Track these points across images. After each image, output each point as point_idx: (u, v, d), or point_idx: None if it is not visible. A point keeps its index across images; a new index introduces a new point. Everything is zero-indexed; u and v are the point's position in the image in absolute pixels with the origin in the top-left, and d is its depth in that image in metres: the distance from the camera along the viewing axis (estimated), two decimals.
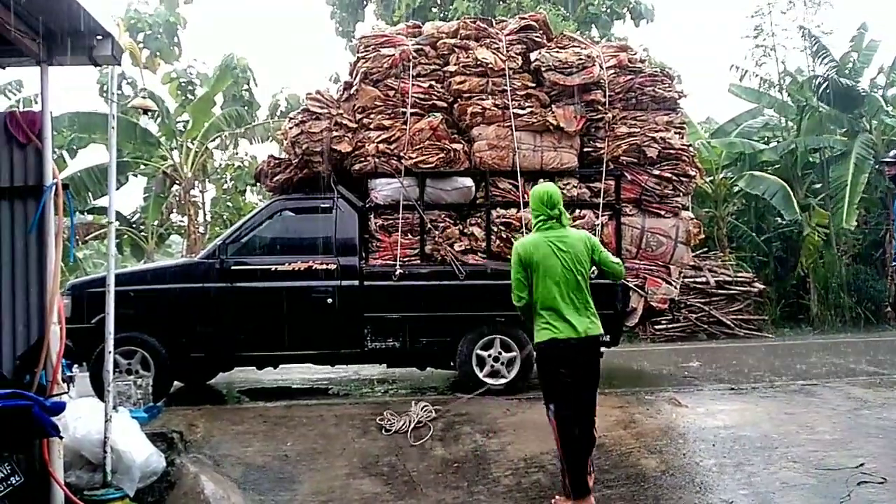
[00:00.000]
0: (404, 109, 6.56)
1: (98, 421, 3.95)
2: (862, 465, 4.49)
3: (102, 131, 12.99)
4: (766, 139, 15.69)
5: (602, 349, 6.97)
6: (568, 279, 3.93)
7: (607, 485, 4.36)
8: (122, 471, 3.99)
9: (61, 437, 3.62)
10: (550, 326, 3.93)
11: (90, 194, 13.62)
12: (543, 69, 6.67)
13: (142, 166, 15.21)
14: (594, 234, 6.46)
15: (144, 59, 15.57)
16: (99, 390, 5.56)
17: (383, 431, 5.28)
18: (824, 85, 13.40)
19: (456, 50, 6.78)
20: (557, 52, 6.77)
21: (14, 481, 3.30)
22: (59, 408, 3.43)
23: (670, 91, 6.95)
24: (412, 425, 5.28)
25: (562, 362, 3.94)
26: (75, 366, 5.59)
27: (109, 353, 4.03)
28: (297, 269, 6.27)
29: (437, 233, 6.49)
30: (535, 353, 4.25)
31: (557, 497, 4.06)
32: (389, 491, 4.44)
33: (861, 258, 14.61)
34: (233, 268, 6.26)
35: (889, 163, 5.83)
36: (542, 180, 6.60)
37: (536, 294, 3.99)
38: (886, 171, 5.92)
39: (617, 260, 4.25)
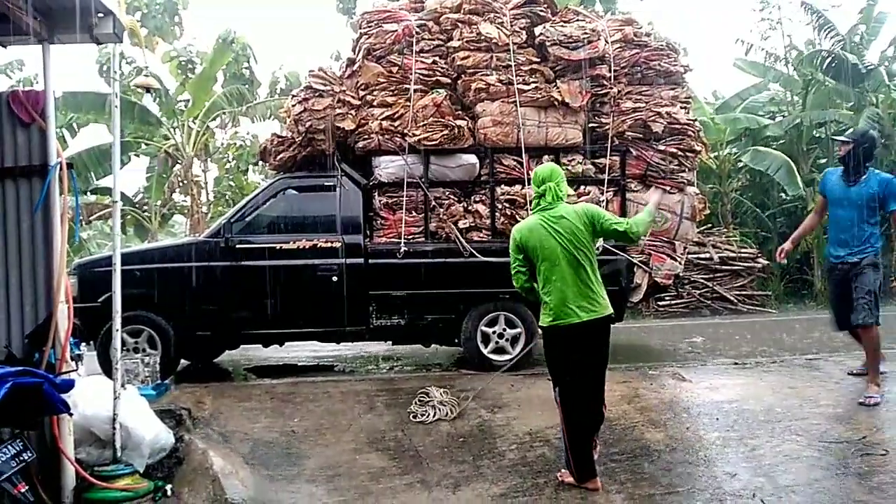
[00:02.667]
0: (408, 86, 6.52)
1: (107, 398, 3.99)
2: (864, 437, 4.52)
3: (101, 111, 12.94)
4: (771, 114, 15.57)
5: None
6: (569, 259, 3.85)
7: (612, 458, 4.40)
8: (131, 447, 4.04)
9: (71, 415, 3.65)
10: (553, 311, 3.89)
11: (92, 174, 13.58)
12: (548, 44, 6.60)
13: (143, 146, 15.17)
14: None
15: (143, 37, 15.44)
16: (107, 368, 5.61)
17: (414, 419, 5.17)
18: (829, 58, 13.25)
19: (459, 25, 6.71)
20: (562, 26, 6.70)
21: (26, 457, 3.35)
22: (69, 385, 3.46)
23: (676, 65, 6.89)
24: (454, 413, 5.18)
25: (566, 346, 3.91)
26: (83, 344, 5.65)
27: (117, 331, 4.05)
28: (301, 247, 6.28)
29: (441, 210, 6.49)
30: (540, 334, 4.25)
31: (563, 471, 4.10)
32: (396, 465, 4.49)
33: None
34: (237, 246, 6.27)
35: (843, 142, 5.40)
36: (546, 156, 6.60)
37: (539, 277, 3.96)
38: (839, 150, 5.40)
39: (623, 221, 4.01)
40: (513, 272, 4.11)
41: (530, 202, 6.29)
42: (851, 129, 5.96)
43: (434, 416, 5.15)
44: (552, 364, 4.05)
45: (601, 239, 4.71)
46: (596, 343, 3.96)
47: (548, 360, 4.10)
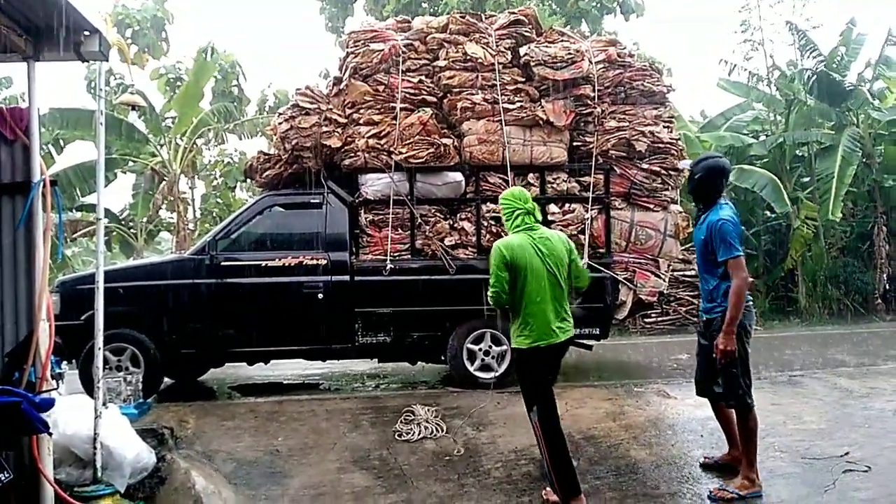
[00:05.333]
0: (394, 104, 6.57)
1: (88, 417, 3.95)
2: (847, 453, 4.56)
3: (88, 127, 12.90)
4: (755, 133, 15.78)
5: (591, 342, 7.03)
6: (551, 282, 3.92)
7: (597, 476, 4.40)
8: (112, 467, 3.99)
9: (51, 434, 3.61)
10: (534, 332, 3.89)
11: (77, 191, 13.51)
12: (533, 64, 6.68)
13: (130, 163, 15.12)
14: (584, 228, 6.56)
15: (132, 55, 15.46)
16: (88, 387, 5.56)
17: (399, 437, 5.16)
18: (812, 79, 13.47)
19: (445, 45, 6.79)
20: (547, 46, 6.79)
21: (3, 478, 3.28)
22: (49, 404, 3.42)
23: (659, 85, 6.99)
24: (437, 433, 5.16)
25: (545, 365, 3.97)
26: (64, 363, 5.59)
27: (99, 349, 4.02)
28: (287, 264, 6.27)
29: (427, 227, 6.51)
30: (515, 356, 4.14)
31: (547, 489, 4.09)
32: (380, 484, 4.46)
33: (848, 251, 14.74)
34: (223, 264, 6.25)
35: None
36: (531, 174, 6.66)
37: (519, 297, 3.92)
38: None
39: (586, 271, 4.33)
40: (494, 288, 3.90)
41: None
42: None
43: (419, 434, 5.13)
44: (533, 384, 4.02)
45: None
46: (559, 359, 4.12)
47: (527, 381, 4.05)
